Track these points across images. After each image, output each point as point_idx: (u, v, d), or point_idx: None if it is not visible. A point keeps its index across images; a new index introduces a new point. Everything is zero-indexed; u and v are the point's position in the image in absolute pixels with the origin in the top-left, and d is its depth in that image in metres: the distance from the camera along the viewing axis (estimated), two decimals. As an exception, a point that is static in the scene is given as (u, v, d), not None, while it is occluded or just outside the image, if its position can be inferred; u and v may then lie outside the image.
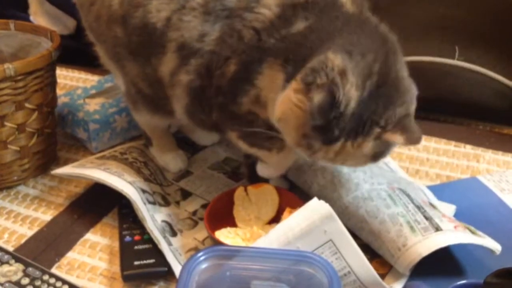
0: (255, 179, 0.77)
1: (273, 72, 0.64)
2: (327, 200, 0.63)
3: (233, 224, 0.72)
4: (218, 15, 0.65)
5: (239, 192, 0.74)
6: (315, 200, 0.63)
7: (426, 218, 0.67)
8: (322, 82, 0.58)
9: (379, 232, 0.67)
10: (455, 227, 0.66)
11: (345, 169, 0.74)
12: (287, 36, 0.63)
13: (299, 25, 0.63)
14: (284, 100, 0.62)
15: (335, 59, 0.58)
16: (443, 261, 0.66)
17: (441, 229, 0.65)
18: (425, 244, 0.64)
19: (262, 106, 0.66)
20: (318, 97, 0.58)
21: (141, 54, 0.71)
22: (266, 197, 0.74)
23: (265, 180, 0.78)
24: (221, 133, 0.77)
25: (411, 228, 0.66)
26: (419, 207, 0.69)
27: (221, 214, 0.72)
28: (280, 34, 0.63)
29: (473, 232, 0.67)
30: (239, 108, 0.68)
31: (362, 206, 0.70)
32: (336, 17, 0.63)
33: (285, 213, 0.70)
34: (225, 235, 0.68)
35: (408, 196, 0.72)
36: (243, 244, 0.67)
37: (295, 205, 0.69)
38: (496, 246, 0.65)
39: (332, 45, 0.60)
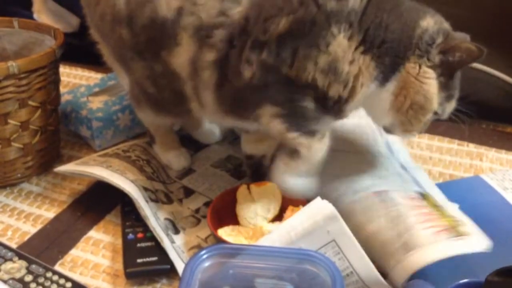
0: (258, 178, 0.77)
1: (355, 49, 0.61)
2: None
3: (235, 222, 0.72)
4: None
5: (242, 190, 0.74)
6: (318, 199, 0.63)
7: (406, 230, 0.63)
8: (447, 46, 0.62)
9: (365, 243, 0.64)
10: (434, 233, 0.63)
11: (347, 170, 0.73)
12: (352, 10, 0.61)
13: (355, 1, 0.61)
14: (411, 87, 0.63)
15: (433, 21, 0.63)
16: (445, 260, 0.66)
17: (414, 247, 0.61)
18: (401, 268, 0.61)
19: (337, 80, 0.62)
20: (457, 55, 0.62)
21: (149, 52, 0.69)
22: (269, 195, 0.74)
23: (269, 178, 0.78)
24: (252, 113, 0.67)
25: (394, 242, 0.63)
26: (401, 217, 0.65)
27: (224, 212, 0.72)
28: (341, 3, 0.61)
29: (457, 231, 0.63)
30: (298, 74, 0.62)
31: (352, 215, 0.67)
32: None
33: (288, 212, 0.70)
34: (227, 233, 0.68)
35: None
36: (245, 242, 0.67)
37: (298, 204, 0.69)
38: (480, 245, 0.62)
39: (410, 15, 0.63)
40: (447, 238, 0.62)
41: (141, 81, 0.74)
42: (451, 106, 0.68)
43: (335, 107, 0.65)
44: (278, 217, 0.72)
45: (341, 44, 0.61)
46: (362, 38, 0.62)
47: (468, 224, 0.66)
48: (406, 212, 0.66)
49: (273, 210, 0.73)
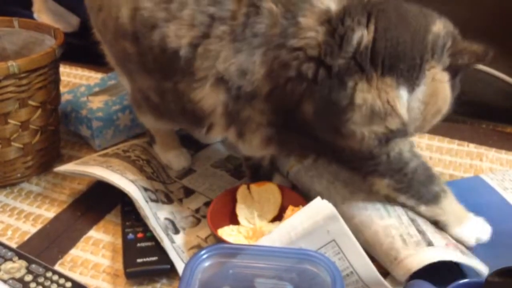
0: (257, 178, 0.77)
1: (374, 84, 0.60)
2: None
3: (235, 222, 0.72)
4: (250, 43, 0.61)
5: (242, 190, 0.74)
6: (318, 199, 0.63)
7: (419, 231, 0.66)
8: (456, 49, 0.63)
9: (373, 243, 0.66)
10: (446, 244, 0.65)
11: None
12: (357, 50, 0.59)
13: (361, 34, 0.60)
14: (440, 92, 0.63)
15: (442, 26, 0.63)
16: (445, 260, 0.66)
17: (432, 245, 0.64)
18: (417, 258, 0.62)
19: (383, 117, 0.61)
20: (466, 57, 0.63)
21: (159, 73, 0.67)
22: (269, 195, 0.74)
23: (268, 178, 0.78)
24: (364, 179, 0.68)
25: (403, 241, 0.64)
26: (412, 220, 0.68)
27: (224, 212, 0.72)
28: (347, 50, 0.59)
29: (463, 253, 0.65)
30: (355, 142, 0.62)
31: (356, 215, 0.69)
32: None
33: (288, 211, 0.70)
34: (227, 233, 0.68)
35: (403, 206, 0.69)
36: (245, 242, 0.67)
37: (298, 204, 0.69)
38: (482, 269, 0.63)
39: (419, 21, 0.62)
40: (454, 251, 0.64)
41: (144, 90, 0.72)
42: (452, 103, 0.68)
43: (407, 135, 0.65)
44: (278, 217, 0.72)
45: (363, 90, 0.60)
46: (379, 71, 0.61)
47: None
48: (418, 219, 0.68)
49: (273, 210, 0.73)
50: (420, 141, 0.93)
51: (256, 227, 0.70)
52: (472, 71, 0.97)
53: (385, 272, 0.65)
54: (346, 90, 0.60)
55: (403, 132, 0.63)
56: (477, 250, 0.67)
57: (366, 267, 0.61)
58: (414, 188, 0.67)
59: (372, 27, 0.60)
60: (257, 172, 0.79)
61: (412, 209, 0.68)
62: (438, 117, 0.67)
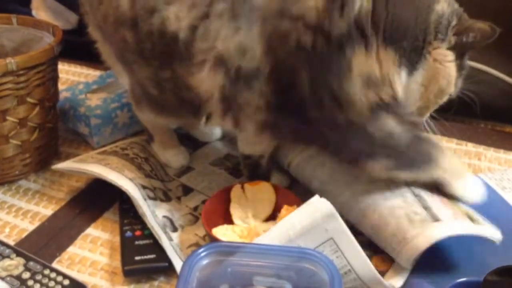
0: (255, 178, 0.77)
1: (373, 54, 0.60)
2: (327, 195, 0.63)
3: (230, 221, 0.72)
4: (249, 18, 0.60)
5: (236, 190, 0.74)
6: (316, 197, 0.63)
7: (425, 208, 0.65)
8: (462, 27, 0.63)
9: (378, 226, 0.66)
10: (454, 215, 0.65)
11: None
12: (360, 15, 0.59)
13: (361, 2, 0.59)
14: (440, 74, 0.63)
15: (446, 4, 0.63)
16: (444, 259, 0.66)
17: (439, 220, 0.64)
18: (424, 236, 0.62)
19: (380, 87, 0.61)
20: (471, 36, 0.63)
21: (156, 60, 0.67)
22: (263, 194, 0.74)
23: (266, 178, 0.78)
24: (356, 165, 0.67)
25: (410, 220, 0.64)
26: (417, 196, 0.67)
27: (218, 212, 0.72)
28: (348, 16, 0.59)
29: (472, 219, 0.65)
30: (354, 111, 0.61)
31: (362, 200, 0.69)
32: None
33: (283, 211, 0.69)
34: (222, 233, 0.68)
35: (406, 183, 0.69)
36: (240, 241, 0.67)
37: (292, 203, 0.69)
38: (495, 235, 0.63)
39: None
40: (463, 220, 0.64)
41: (143, 82, 0.72)
42: (460, 83, 0.68)
43: (398, 110, 0.64)
44: (272, 217, 0.72)
45: (360, 60, 0.60)
46: (380, 39, 0.60)
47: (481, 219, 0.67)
48: (424, 196, 0.67)
49: (267, 210, 0.73)
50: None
51: (251, 227, 0.70)
52: (472, 71, 0.97)
53: (383, 271, 0.65)
54: (345, 57, 0.60)
55: (393, 106, 0.63)
56: (475, 249, 0.67)
57: (364, 265, 0.61)
58: (408, 158, 0.65)
59: None
60: (255, 172, 0.79)
61: (414, 183, 0.67)
62: (443, 97, 0.66)
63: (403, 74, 0.62)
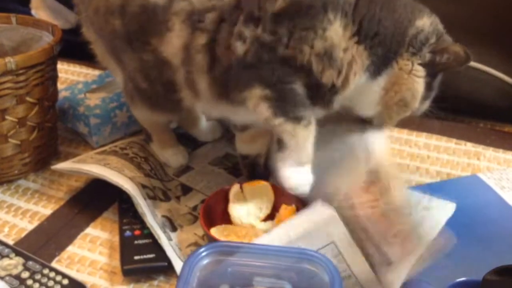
0: (254, 177, 0.77)
1: (349, 38, 0.62)
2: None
3: (228, 221, 0.71)
4: None
5: (235, 190, 0.74)
6: (319, 203, 0.63)
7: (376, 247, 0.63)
8: (439, 47, 0.64)
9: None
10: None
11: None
12: (346, 0, 0.62)
13: None
14: (403, 83, 0.65)
15: (428, 22, 0.65)
16: (443, 259, 0.66)
17: (391, 262, 0.61)
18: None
19: (331, 66, 0.63)
20: (445, 57, 0.65)
21: (139, 40, 0.69)
22: (261, 194, 0.74)
23: (265, 177, 0.78)
24: (241, 93, 0.66)
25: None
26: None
27: (217, 211, 0.72)
28: None
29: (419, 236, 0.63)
30: (294, 55, 0.62)
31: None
32: None
33: (281, 210, 0.70)
34: (220, 233, 0.68)
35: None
36: (238, 241, 0.67)
37: (291, 202, 0.69)
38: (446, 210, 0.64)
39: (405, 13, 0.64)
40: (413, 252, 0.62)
41: (133, 75, 0.73)
42: (425, 106, 0.69)
43: (326, 96, 0.65)
44: (271, 216, 0.72)
45: (337, 32, 0.62)
46: (356, 29, 0.63)
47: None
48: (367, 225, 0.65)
49: (266, 209, 0.73)
50: (417, 140, 0.93)
51: (249, 227, 0.70)
52: (471, 71, 0.97)
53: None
54: (323, 18, 0.62)
55: (329, 96, 0.65)
56: (473, 249, 0.67)
57: (364, 271, 0.61)
58: (284, 103, 0.65)
59: None
60: (254, 171, 0.79)
61: (270, 120, 0.66)
62: (404, 110, 0.68)
63: (363, 77, 0.65)
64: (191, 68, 0.68)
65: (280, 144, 0.67)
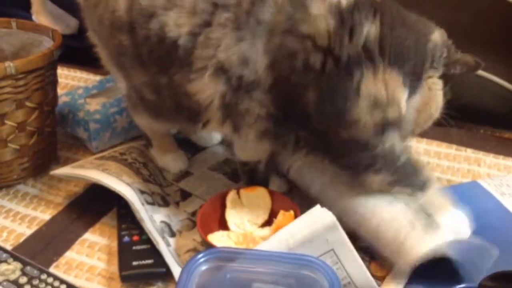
0: (254, 184, 0.76)
1: (380, 75, 0.61)
2: (327, 199, 0.62)
3: (225, 227, 0.71)
4: (254, 31, 0.60)
5: (232, 195, 0.73)
6: (318, 207, 0.62)
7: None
8: (452, 59, 0.65)
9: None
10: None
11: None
12: (368, 40, 0.61)
13: (369, 28, 0.61)
14: (434, 100, 0.66)
15: (439, 35, 0.65)
16: (441, 265, 0.65)
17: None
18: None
19: (384, 108, 0.62)
20: (458, 68, 0.66)
21: (154, 66, 0.66)
22: (259, 200, 0.73)
23: (265, 184, 0.77)
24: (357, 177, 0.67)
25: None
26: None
27: (214, 218, 0.72)
28: (358, 40, 0.60)
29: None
30: (356, 133, 0.62)
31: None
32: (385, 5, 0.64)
33: (279, 216, 0.69)
34: (217, 239, 0.68)
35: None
36: (236, 247, 0.67)
37: (288, 208, 0.69)
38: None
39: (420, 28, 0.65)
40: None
41: (139, 87, 0.72)
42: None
43: (399, 127, 0.65)
44: (268, 222, 0.72)
45: (368, 83, 0.61)
46: (386, 62, 0.62)
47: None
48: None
49: (263, 215, 0.72)
50: (418, 146, 0.93)
51: (246, 233, 0.70)
52: (471, 77, 0.97)
53: (381, 277, 0.65)
54: (353, 80, 0.60)
55: (397, 124, 0.64)
56: (472, 255, 0.67)
57: (364, 278, 0.61)
58: (404, 175, 0.66)
59: (378, 23, 0.62)
60: (253, 177, 0.79)
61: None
62: (429, 122, 0.69)
63: (406, 93, 0.64)
64: (233, 118, 0.66)
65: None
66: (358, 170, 0.66)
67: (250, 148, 0.75)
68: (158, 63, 0.66)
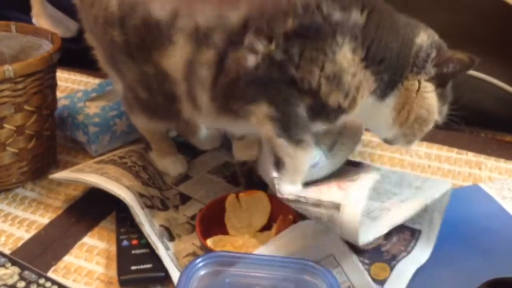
0: (252, 186, 0.76)
1: (358, 62, 0.62)
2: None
3: (224, 231, 0.71)
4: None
5: (231, 199, 0.73)
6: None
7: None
8: (442, 59, 0.64)
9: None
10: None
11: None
12: (355, 24, 0.62)
13: (357, 16, 0.62)
14: (414, 102, 0.65)
15: (426, 37, 0.64)
16: (440, 270, 0.65)
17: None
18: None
19: (339, 90, 0.63)
20: (451, 66, 0.65)
21: (140, 53, 0.69)
22: (258, 204, 0.73)
23: (262, 188, 0.77)
24: (245, 108, 0.66)
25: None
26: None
27: (213, 222, 0.71)
28: (344, 15, 0.61)
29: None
30: (304, 76, 0.62)
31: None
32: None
33: (278, 221, 0.69)
34: (216, 243, 0.67)
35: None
36: (235, 252, 0.66)
37: (287, 212, 0.69)
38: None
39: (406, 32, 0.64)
40: None
41: (133, 85, 0.73)
42: (445, 110, 0.70)
43: (331, 115, 0.65)
44: (267, 226, 0.71)
45: (346, 56, 0.62)
46: (364, 54, 0.62)
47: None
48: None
49: (262, 219, 0.72)
50: (418, 149, 0.93)
51: (245, 237, 0.69)
52: (472, 80, 0.97)
53: (382, 280, 0.64)
54: (332, 41, 0.61)
55: (333, 115, 0.66)
56: (473, 259, 0.67)
57: (364, 282, 0.60)
58: (288, 125, 0.65)
59: (365, 15, 0.63)
60: (251, 179, 0.79)
61: (272, 139, 0.67)
62: (426, 125, 0.68)
63: (370, 100, 0.65)
64: (192, 82, 0.67)
65: (278, 162, 0.68)
66: (256, 95, 0.65)
67: (246, 147, 0.76)
68: (143, 49, 0.68)
